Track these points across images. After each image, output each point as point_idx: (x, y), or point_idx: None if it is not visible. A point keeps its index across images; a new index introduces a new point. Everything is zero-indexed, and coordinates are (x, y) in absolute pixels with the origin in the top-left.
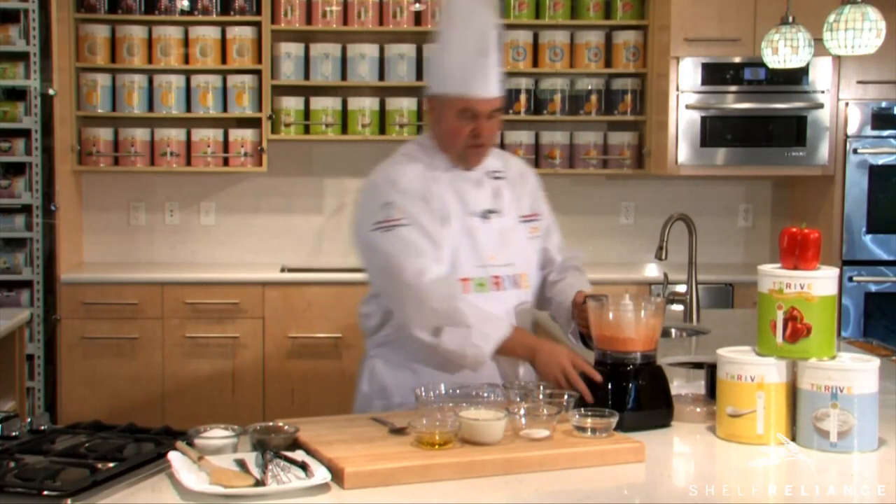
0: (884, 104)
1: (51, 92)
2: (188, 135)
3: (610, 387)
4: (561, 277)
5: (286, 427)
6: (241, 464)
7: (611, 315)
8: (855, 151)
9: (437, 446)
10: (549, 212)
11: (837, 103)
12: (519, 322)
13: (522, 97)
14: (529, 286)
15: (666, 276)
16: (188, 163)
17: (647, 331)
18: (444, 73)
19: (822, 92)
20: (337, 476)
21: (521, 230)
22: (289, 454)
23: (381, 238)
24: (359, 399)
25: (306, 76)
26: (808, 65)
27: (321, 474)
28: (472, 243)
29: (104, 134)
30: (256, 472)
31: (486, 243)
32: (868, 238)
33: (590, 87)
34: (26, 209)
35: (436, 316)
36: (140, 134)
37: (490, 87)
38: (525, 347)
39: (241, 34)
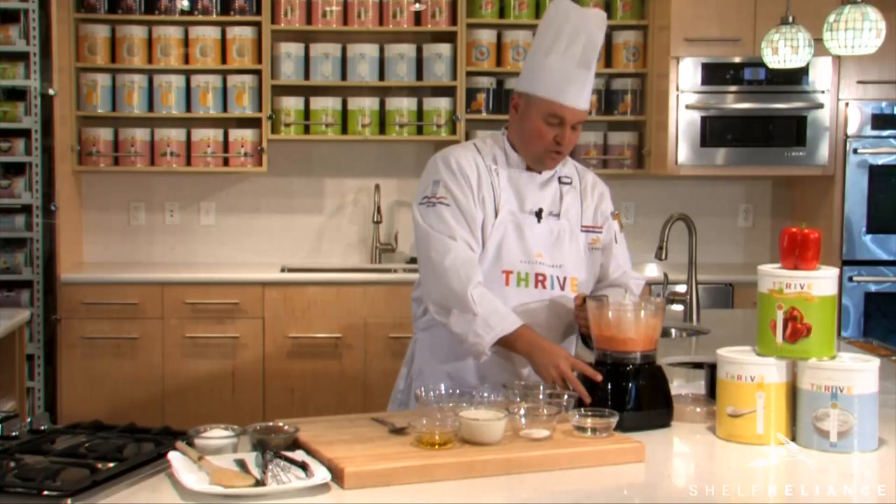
0: (884, 104)
1: (51, 92)
2: (188, 135)
3: (610, 387)
4: (598, 288)
5: (286, 427)
6: (241, 464)
7: (611, 315)
8: (855, 151)
9: (437, 446)
10: (619, 233)
11: (837, 103)
12: (562, 323)
13: None
14: (578, 292)
15: (666, 276)
16: (188, 163)
17: (647, 331)
18: (543, 75)
19: (822, 92)
20: (337, 476)
21: (580, 237)
22: (289, 454)
23: (423, 212)
24: (399, 379)
25: (306, 76)
26: (808, 65)
27: (321, 474)
28: (519, 238)
29: (104, 134)
30: (256, 472)
31: (535, 241)
32: (868, 238)
33: None
34: (26, 209)
35: (448, 296)
36: (140, 134)
37: (582, 100)
38: (526, 344)
39: (241, 34)
